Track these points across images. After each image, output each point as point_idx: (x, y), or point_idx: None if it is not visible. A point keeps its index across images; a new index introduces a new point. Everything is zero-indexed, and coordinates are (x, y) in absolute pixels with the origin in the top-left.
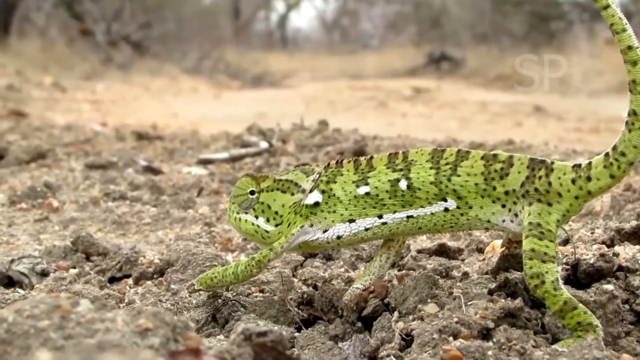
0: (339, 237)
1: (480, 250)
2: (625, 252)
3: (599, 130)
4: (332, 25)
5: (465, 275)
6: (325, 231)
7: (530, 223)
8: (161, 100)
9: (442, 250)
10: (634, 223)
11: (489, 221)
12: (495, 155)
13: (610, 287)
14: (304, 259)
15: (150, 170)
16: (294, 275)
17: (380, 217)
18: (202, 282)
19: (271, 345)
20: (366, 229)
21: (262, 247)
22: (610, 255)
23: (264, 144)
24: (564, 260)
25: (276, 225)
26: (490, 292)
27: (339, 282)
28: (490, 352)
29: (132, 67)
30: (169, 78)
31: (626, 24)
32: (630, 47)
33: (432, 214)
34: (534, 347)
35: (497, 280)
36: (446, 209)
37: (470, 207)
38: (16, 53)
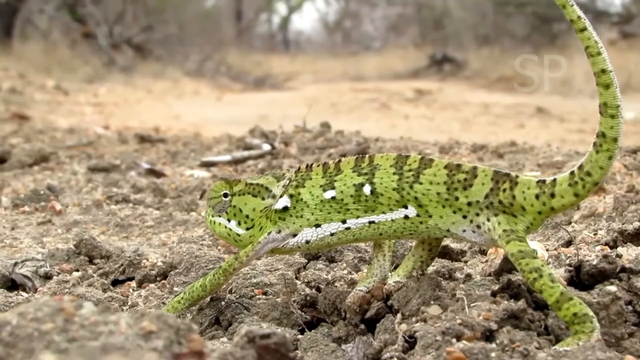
0: (307, 242)
1: (483, 252)
2: (629, 253)
3: None
4: (334, 27)
5: (468, 277)
6: (294, 235)
7: (504, 230)
8: (163, 103)
9: (444, 252)
10: (636, 224)
11: (448, 230)
12: (459, 165)
13: (613, 288)
14: (306, 261)
15: (153, 172)
16: (297, 278)
17: (344, 222)
18: (169, 310)
19: (274, 347)
20: (331, 234)
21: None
22: (613, 256)
23: (266, 146)
24: (567, 262)
25: (247, 229)
26: (494, 294)
27: (342, 284)
28: (493, 354)
29: (134, 69)
30: (171, 81)
31: (601, 47)
32: (604, 71)
33: (392, 220)
34: (537, 348)
35: (500, 281)
36: (406, 217)
37: (430, 216)
38: (19, 56)
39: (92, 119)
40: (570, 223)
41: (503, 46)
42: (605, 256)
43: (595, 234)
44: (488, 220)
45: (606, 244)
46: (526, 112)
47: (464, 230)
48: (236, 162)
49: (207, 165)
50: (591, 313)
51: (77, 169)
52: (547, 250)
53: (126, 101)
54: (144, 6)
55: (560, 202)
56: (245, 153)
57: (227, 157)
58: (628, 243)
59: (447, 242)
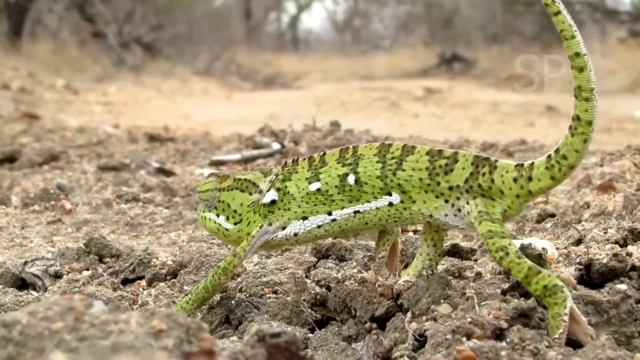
0: (295, 235)
1: None
2: (639, 251)
3: (610, 129)
4: (344, 26)
5: (478, 275)
6: (283, 228)
7: (480, 212)
8: (173, 102)
9: (454, 251)
10: None
11: (431, 215)
12: (440, 151)
13: (623, 286)
14: (316, 259)
15: (162, 171)
16: (307, 276)
17: (329, 213)
18: (178, 310)
19: (285, 346)
20: (318, 226)
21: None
22: (624, 254)
23: (276, 145)
24: (577, 260)
25: (235, 224)
26: (504, 292)
27: (352, 283)
28: (503, 352)
29: (143, 68)
30: (180, 80)
31: (575, 30)
32: (578, 54)
33: (377, 208)
34: (547, 347)
35: (510, 280)
36: (390, 204)
37: (414, 202)
38: (28, 55)
39: (102, 118)
40: (580, 222)
41: (512, 45)
42: (615, 254)
43: (605, 233)
44: (467, 203)
45: (616, 242)
46: (536, 110)
47: (446, 215)
48: (246, 161)
49: (217, 164)
50: (561, 283)
51: (87, 168)
52: (557, 249)
53: (136, 100)
54: (154, 5)
55: (537, 186)
56: (255, 152)
57: (236, 156)
58: (638, 241)
59: (456, 240)
